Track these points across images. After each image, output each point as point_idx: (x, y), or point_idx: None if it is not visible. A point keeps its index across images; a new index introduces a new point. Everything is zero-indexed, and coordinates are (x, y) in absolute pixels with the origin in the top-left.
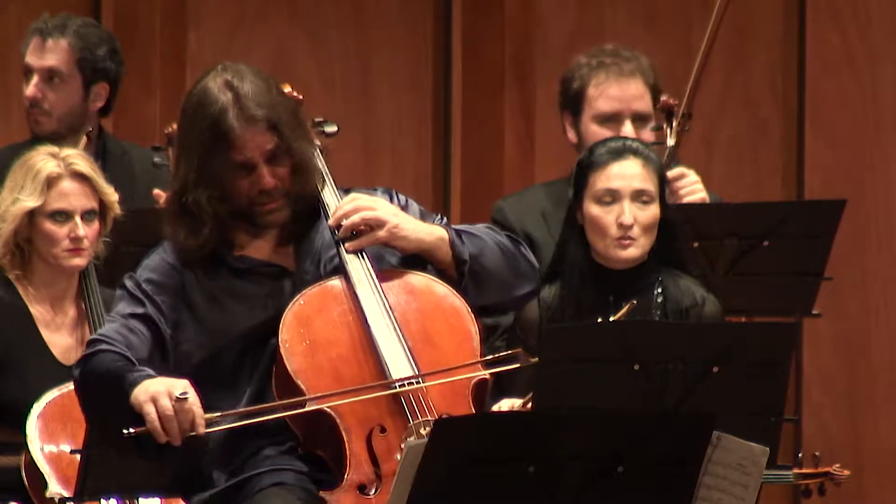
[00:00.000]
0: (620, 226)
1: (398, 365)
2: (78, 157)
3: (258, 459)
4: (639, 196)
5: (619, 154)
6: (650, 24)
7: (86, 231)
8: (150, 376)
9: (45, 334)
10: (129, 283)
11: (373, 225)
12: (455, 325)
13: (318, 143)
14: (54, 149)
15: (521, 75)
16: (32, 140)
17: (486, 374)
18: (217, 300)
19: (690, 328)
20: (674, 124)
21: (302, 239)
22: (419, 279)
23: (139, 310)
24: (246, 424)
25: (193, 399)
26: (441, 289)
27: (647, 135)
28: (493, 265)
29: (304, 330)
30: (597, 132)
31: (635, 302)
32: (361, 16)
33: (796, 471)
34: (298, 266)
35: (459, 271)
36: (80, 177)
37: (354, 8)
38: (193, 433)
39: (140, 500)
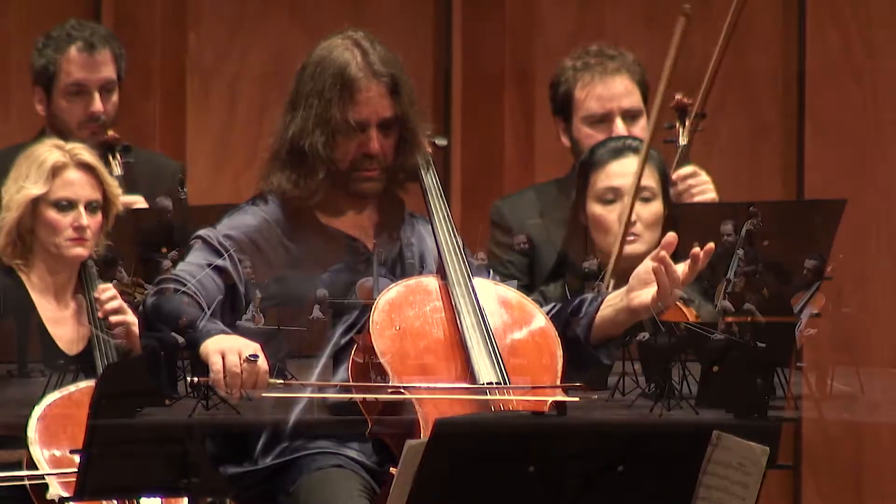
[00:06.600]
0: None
1: (487, 369)
2: (83, 149)
3: (308, 441)
4: (640, 193)
5: (619, 153)
6: (650, 24)
7: (89, 221)
8: (223, 331)
9: (50, 327)
10: (206, 234)
11: None
12: (542, 344)
13: (429, 150)
14: (59, 141)
15: (521, 75)
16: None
17: (567, 398)
18: (298, 262)
19: (690, 327)
20: (687, 124)
21: (385, 220)
22: (513, 294)
23: (216, 260)
24: (307, 396)
25: (262, 363)
26: (531, 307)
27: (639, 131)
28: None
29: (395, 316)
30: (589, 134)
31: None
32: (361, 16)
33: None
34: (377, 247)
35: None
36: (86, 167)
37: (354, 8)
38: (251, 394)
39: (140, 500)
